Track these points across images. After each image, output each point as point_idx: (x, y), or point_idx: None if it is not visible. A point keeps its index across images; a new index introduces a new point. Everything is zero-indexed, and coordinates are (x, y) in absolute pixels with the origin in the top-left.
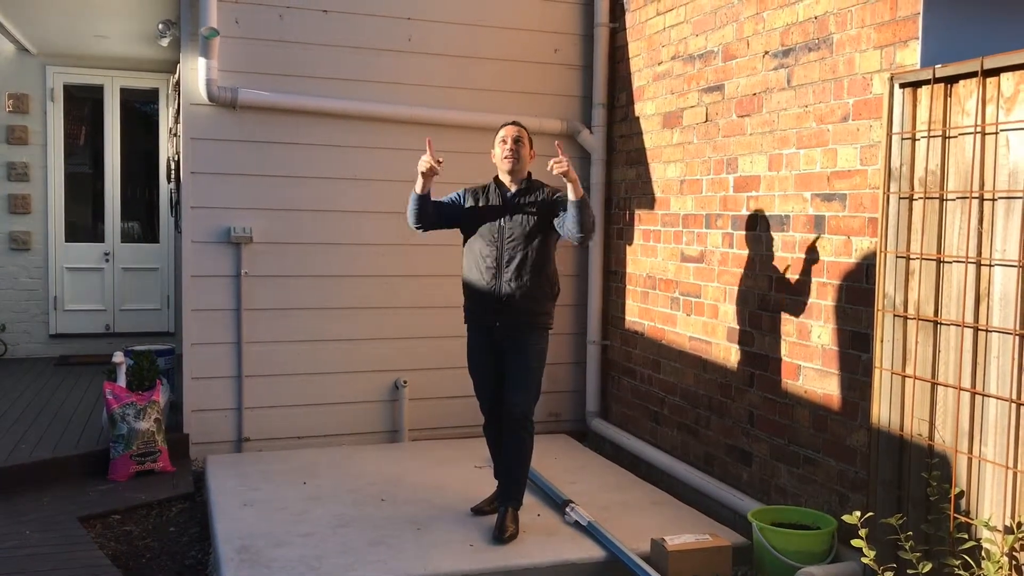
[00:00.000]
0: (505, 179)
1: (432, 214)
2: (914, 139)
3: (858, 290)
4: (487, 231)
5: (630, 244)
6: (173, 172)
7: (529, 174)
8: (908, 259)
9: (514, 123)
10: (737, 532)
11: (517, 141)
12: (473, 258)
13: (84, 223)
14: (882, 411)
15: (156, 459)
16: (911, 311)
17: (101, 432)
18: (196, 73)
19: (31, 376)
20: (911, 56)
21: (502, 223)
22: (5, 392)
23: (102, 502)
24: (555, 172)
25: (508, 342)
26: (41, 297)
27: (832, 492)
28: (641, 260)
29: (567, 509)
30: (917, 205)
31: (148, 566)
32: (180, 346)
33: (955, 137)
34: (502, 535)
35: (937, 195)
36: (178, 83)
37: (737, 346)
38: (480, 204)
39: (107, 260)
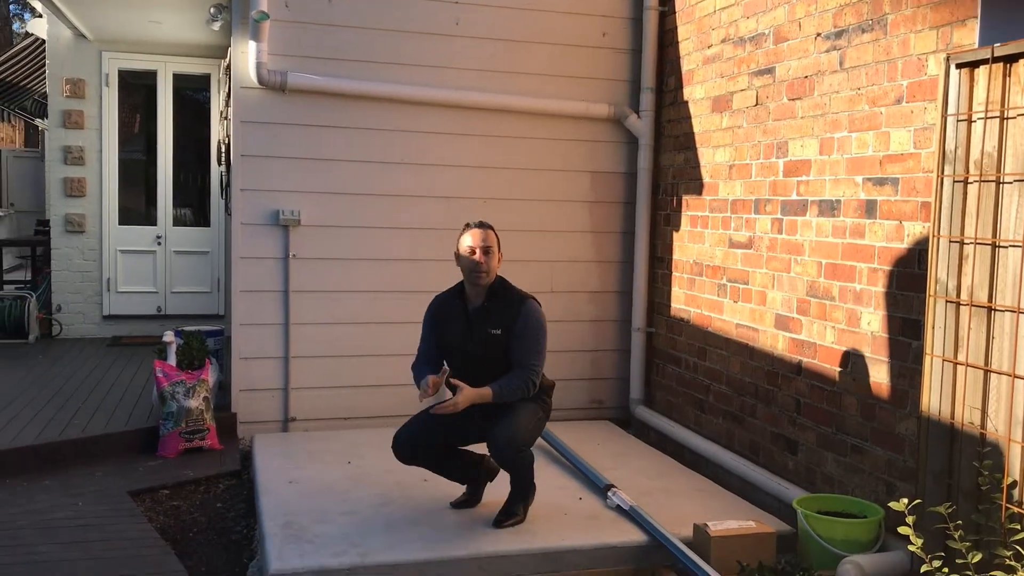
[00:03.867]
0: (470, 289)
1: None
2: (970, 120)
3: (910, 276)
4: (453, 354)
5: (677, 230)
6: (224, 155)
7: (497, 281)
8: (962, 244)
9: (480, 225)
10: (782, 520)
11: (486, 252)
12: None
13: (137, 208)
14: (932, 399)
15: (204, 437)
16: (964, 297)
17: (151, 410)
18: (246, 57)
19: (85, 355)
20: (968, 36)
21: (467, 348)
22: (60, 370)
23: (151, 477)
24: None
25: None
26: (95, 279)
27: (880, 481)
28: (688, 246)
29: (609, 493)
30: (972, 188)
31: (195, 540)
32: (229, 328)
33: (1014, 118)
34: (499, 522)
35: (993, 178)
36: (229, 67)
37: (785, 333)
38: (443, 327)
39: (159, 243)
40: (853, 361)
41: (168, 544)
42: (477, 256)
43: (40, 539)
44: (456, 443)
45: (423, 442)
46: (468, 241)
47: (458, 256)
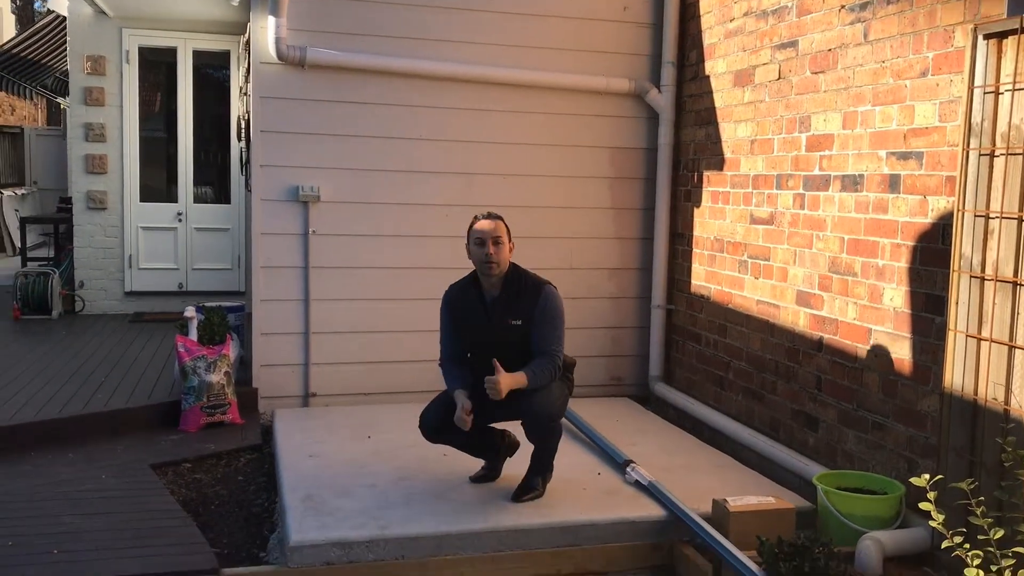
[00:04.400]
0: (484, 280)
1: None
2: (997, 92)
3: (933, 251)
4: (475, 348)
5: (698, 206)
6: (243, 131)
7: (511, 267)
8: (987, 218)
9: (488, 216)
10: (802, 497)
11: (496, 242)
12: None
13: (158, 186)
14: (955, 375)
15: (226, 411)
16: (989, 272)
17: (173, 385)
18: (266, 32)
19: (107, 331)
20: (997, 7)
21: (489, 340)
22: (83, 346)
23: (173, 451)
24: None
25: None
26: (117, 255)
27: (901, 458)
28: (709, 223)
29: (628, 469)
30: (999, 162)
31: (216, 512)
32: (250, 304)
33: None
34: (517, 496)
35: (1020, 151)
36: (248, 42)
37: (806, 310)
38: (461, 319)
39: (180, 220)
40: (875, 337)
41: (190, 516)
42: (487, 248)
43: (64, 510)
44: (481, 421)
45: (450, 420)
46: (477, 233)
47: (468, 248)
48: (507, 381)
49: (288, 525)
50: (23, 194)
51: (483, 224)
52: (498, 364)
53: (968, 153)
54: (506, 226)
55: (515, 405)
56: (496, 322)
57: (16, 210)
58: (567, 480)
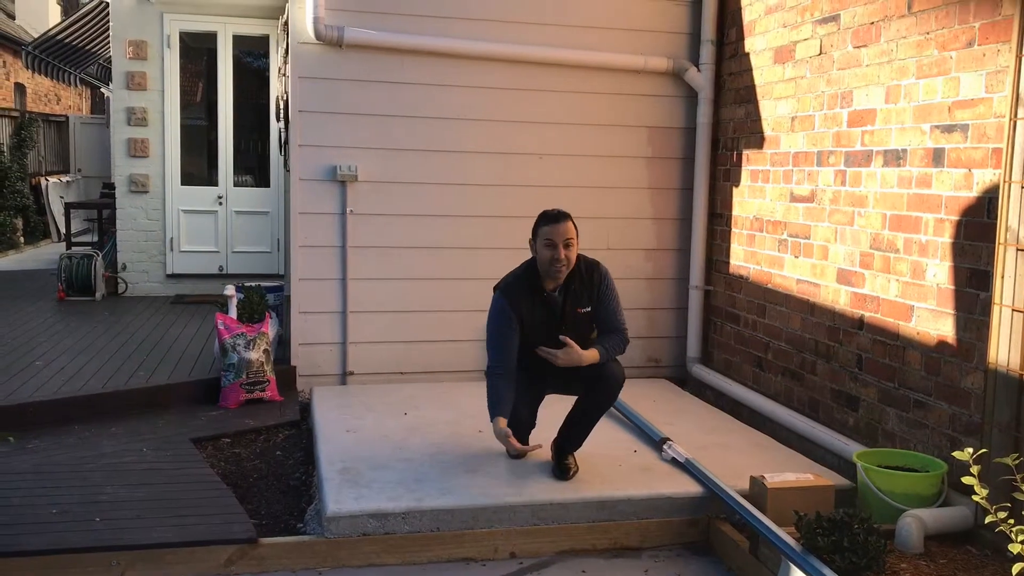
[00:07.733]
0: (545, 279)
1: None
2: None
3: (978, 225)
4: (538, 341)
5: (737, 185)
6: (282, 111)
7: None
8: None
9: (557, 219)
10: (841, 476)
11: (567, 245)
12: (532, 362)
13: (199, 172)
14: (1000, 350)
15: (264, 388)
16: None
17: (213, 363)
18: (303, 11)
19: (149, 312)
20: None
21: (555, 334)
22: (126, 326)
23: (213, 426)
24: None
25: None
26: (158, 238)
27: (943, 437)
28: (748, 202)
29: (664, 446)
30: None
31: (255, 485)
32: (289, 286)
33: None
34: (567, 474)
35: None
36: (287, 23)
37: (847, 288)
38: (527, 319)
39: (220, 203)
40: (917, 314)
41: (229, 488)
42: (558, 251)
43: (107, 481)
44: (539, 395)
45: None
46: (548, 235)
47: (534, 245)
48: (571, 357)
49: (325, 496)
50: (68, 181)
51: (553, 228)
52: (569, 340)
53: (1016, 123)
54: (575, 225)
55: (576, 377)
56: (566, 314)
57: (61, 196)
58: (604, 456)
